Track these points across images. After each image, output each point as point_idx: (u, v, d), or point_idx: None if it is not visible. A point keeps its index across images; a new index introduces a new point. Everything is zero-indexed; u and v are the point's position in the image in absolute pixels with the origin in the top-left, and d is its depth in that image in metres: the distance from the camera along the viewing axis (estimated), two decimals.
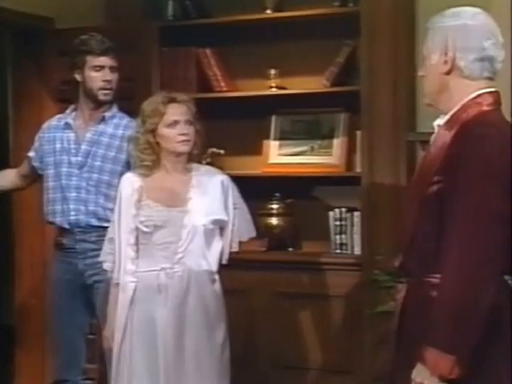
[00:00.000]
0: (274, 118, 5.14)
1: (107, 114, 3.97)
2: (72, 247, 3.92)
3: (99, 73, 3.91)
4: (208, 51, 5.13)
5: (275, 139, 5.12)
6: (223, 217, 3.52)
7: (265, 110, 5.08)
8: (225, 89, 5.13)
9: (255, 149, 5.12)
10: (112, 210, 3.66)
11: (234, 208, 3.58)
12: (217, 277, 3.53)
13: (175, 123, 3.47)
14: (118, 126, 3.95)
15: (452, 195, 2.34)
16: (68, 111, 4.06)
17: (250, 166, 5.09)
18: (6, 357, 5.28)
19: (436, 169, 2.41)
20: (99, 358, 4.24)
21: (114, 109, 4.02)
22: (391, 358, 2.60)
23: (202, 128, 3.57)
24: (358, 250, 4.77)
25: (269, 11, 4.98)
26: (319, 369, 4.76)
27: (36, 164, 4.07)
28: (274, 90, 4.99)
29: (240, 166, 5.08)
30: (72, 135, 3.96)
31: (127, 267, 3.44)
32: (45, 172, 4.01)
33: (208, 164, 4.79)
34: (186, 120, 3.49)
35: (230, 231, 3.56)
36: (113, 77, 3.94)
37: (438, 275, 2.35)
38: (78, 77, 3.96)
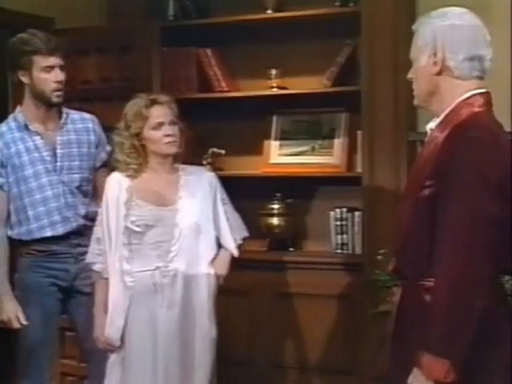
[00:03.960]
0: (274, 117, 5.13)
1: (68, 113, 3.82)
2: (66, 252, 3.74)
3: (50, 74, 3.66)
4: (209, 51, 5.12)
5: (276, 139, 5.11)
6: (211, 217, 3.54)
7: (265, 109, 5.08)
8: (225, 89, 5.12)
9: (256, 149, 5.11)
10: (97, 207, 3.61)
11: (224, 204, 3.61)
12: (211, 273, 3.53)
13: (160, 125, 3.47)
14: (75, 120, 3.83)
15: (444, 199, 2.33)
16: (16, 113, 3.81)
17: (251, 166, 5.09)
18: (4, 359, 5.26)
19: (428, 172, 2.40)
20: (80, 355, 4.24)
21: (64, 107, 3.84)
22: (387, 362, 2.59)
23: (185, 127, 3.57)
24: (358, 250, 4.76)
25: (269, 11, 4.97)
26: (320, 369, 4.75)
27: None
28: (274, 89, 4.98)
29: (241, 166, 5.09)
30: (40, 142, 3.72)
31: (124, 267, 3.44)
32: (16, 175, 3.70)
33: (209, 164, 4.81)
34: (170, 121, 3.49)
35: (226, 225, 3.58)
36: (63, 76, 3.70)
37: (432, 279, 2.34)
38: (23, 79, 3.69)
